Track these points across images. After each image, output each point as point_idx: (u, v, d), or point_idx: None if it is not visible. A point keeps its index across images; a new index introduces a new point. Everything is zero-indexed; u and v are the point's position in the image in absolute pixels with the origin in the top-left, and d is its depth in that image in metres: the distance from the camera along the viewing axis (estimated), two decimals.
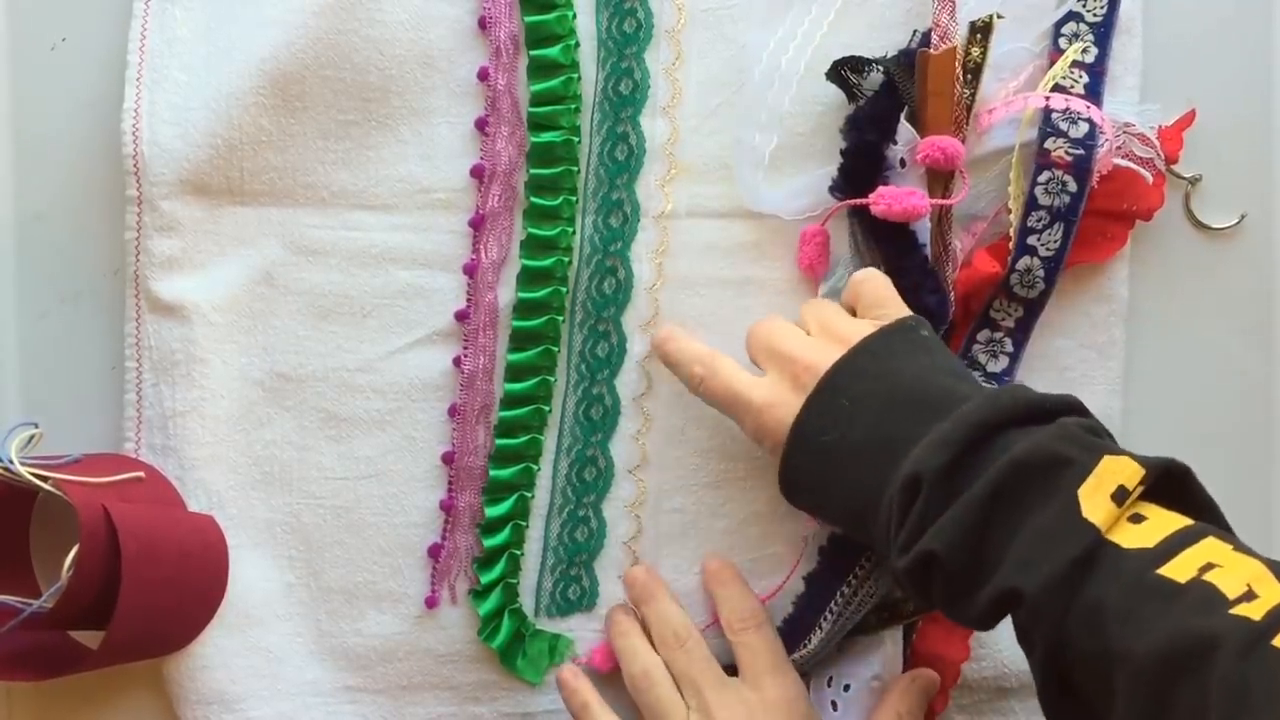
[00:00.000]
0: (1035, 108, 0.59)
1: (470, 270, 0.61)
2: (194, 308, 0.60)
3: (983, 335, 0.61)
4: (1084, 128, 0.59)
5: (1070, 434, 0.46)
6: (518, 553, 0.62)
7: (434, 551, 0.62)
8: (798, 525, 0.61)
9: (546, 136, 0.61)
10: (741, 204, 0.61)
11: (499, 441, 0.62)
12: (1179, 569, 0.41)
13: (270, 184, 0.61)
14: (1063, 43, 0.60)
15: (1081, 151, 0.59)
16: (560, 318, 0.61)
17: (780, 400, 0.53)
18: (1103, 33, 0.60)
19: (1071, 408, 0.48)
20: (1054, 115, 0.59)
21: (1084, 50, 0.60)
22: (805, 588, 0.60)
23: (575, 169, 0.61)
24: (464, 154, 0.61)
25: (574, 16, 0.61)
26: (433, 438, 0.62)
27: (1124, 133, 0.60)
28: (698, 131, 0.61)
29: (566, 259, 0.61)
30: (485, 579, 0.61)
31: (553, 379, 0.62)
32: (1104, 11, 0.60)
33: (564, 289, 0.61)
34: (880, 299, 0.55)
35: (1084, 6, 0.60)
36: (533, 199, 0.61)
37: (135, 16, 0.60)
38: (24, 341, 0.62)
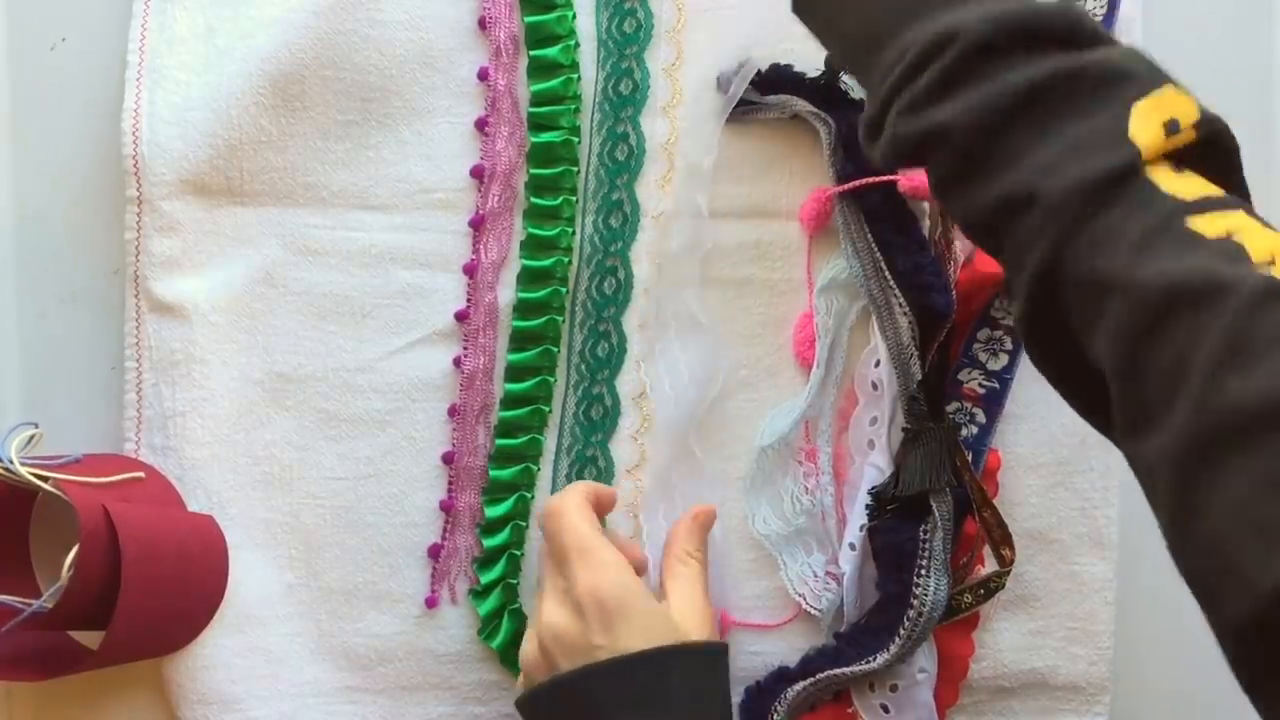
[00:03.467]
0: None
1: (470, 270, 0.61)
2: (194, 308, 0.60)
3: (983, 334, 0.61)
4: None
5: (1141, 55, 0.41)
6: (518, 553, 0.62)
7: (434, 551, 0.62)
8: None
9: (546, 136, 0.61)
10: (741, 204, 0.61)
11: (499, 441, 0.62)
12: (1208, 224, 0.38)
13: (270, 184, 0.61)
14: None
15: (995, 385, 0.59)
16: (560, 318, 0.61)
17: None
18: None
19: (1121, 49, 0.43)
20: None
21: None
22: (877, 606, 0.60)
23: (575, 169, 0.61)
24: (464, 154, 0.61)
25: (574, 17, 0.61)
26: (433, 438, 0.62)
27: None
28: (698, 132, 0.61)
29: (566, 259, 0.61)
30: (485, 579, 0.61)
31: (553, 379, 0.62)
32: (1104, 12, 0.60)
33: (564, 289, 0.61)
34: None
35: (1084, 7, 0.60)
36: (533, 199, 0.61)
37: (135, 16, 0.60)
38: (24, 341, 0.62)
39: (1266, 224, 0.39)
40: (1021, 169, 0.40)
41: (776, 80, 0.60)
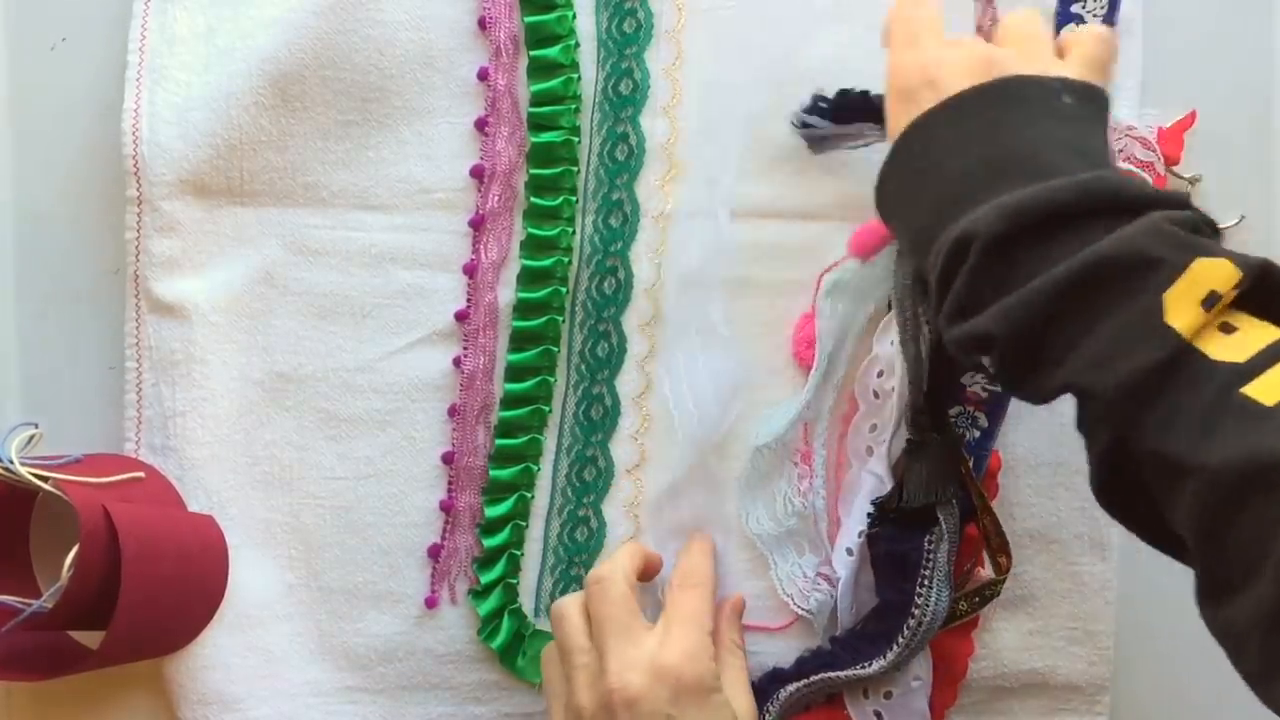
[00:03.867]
0: None
1: (470, 270, 0.61)
2: (194, 308, 0.60)
3: None
4: None
5: (1163, 231, 0.42)
6: (518, 553, 0.62)
7: (434, 551, 0.62)
8: None
9: (546, 136, 0.61)
10: (742, 204, 0.61)
11: (499, 441, 0.62)
12: (1267, 389, 0.39)
13: (270, 184, 0.61)
14: None
15: (998, 388, 0.59)
16: (560, 318, 0.61)
17: (936, 81, 0.48)
18: None
19: (1168, 201, 0.44)
20: None
21: None
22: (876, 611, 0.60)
23: (575, 169, 0.61)
24: (464, 154, 0.61)
25: (574, 17, 0.61)
26: (433, 438, 0.62)
27: (1125, 136, 0.60)
28: (698, 132, 0.61)
29: (566, 259, 0.61)
30: (485, 579, 0.61)
31: (553, 379, 0.62)
32: (1104, 12, 0.60)
33: (564, 289, 0.61)
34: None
35: (1084, 7, 0.60)
36: (533, 199, 0.61)
37: (135, 16, 0.60)
38: (24, 341, 0.62)
39: None
40: (1073, 366, 0.42)
41: (846, 106, 0.58)
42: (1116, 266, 0.41)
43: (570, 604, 0.56)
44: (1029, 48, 0.50)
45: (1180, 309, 0.40)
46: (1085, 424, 0.43)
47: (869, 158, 0.56)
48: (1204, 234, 0.43)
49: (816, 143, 0.59)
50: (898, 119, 0.49)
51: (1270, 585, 0.37)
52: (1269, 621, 0.37)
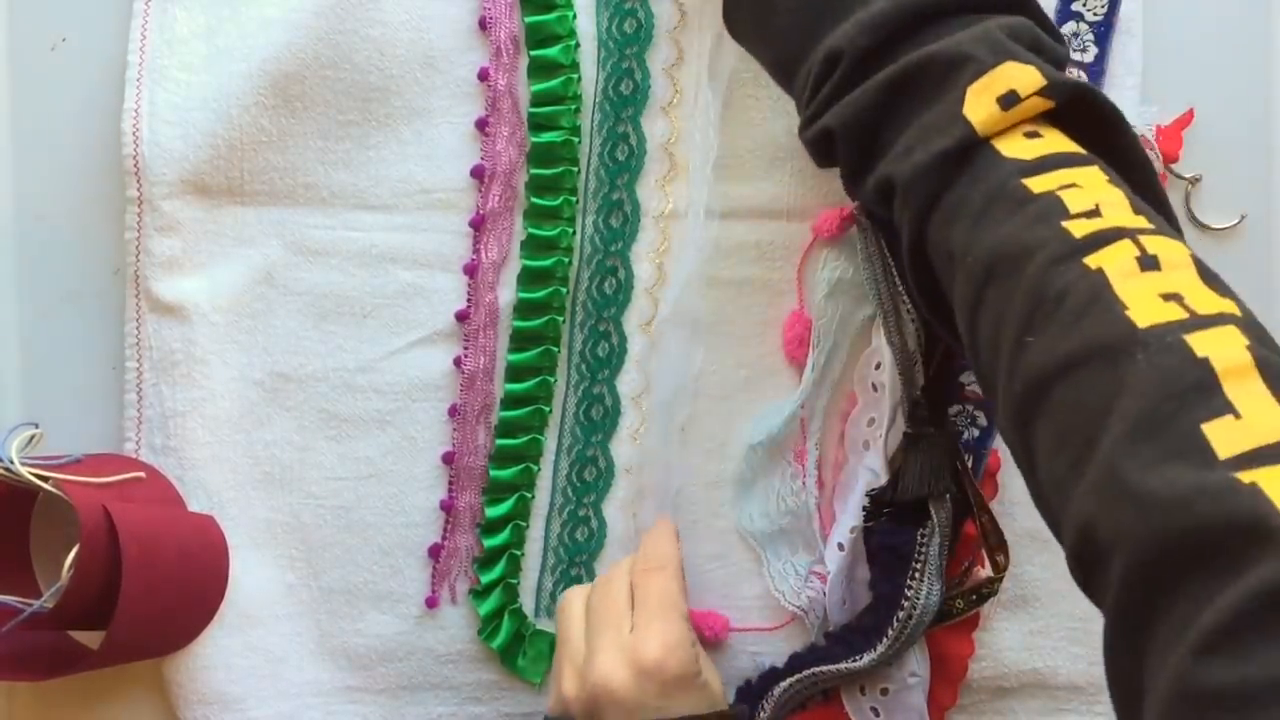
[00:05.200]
0: None
1: (470, 270, 0.61)
2: (194, 308, 0.60)
3: None
4: None
5: (988, 35, 0.44)
6: (518, 553, 0.62)
7: (434, 551, 0.62)
8: None
9: (547, 137, 0.61)
10: (741, 204, 0.61)
11: (499, 441, 0.62)
12: (1039, 182, 0.41)
13: (270, 184, 0.61)
14: None
15: None
16: (560, 318, 0.61)
17: None
18: (1103, 32, 0.60)
19: (1016, 5, 0.46)
20: None
21: (1083, 50, 0.60)
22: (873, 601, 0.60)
23: (575, 169, 0.61)
24: (464, 154, 0.61)
25: (574, 17, 0.61)
26: (433, 438, 0.62)
27: None
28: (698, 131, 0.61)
29: (567, 259, 0.61)
30: (485, 579, 0.61)
31: (553, 379, 0.62)
32: (1104, 11, 0.60)
33: (564, 289, 0.61)
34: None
35: (1084, 6, 0.60)
36: (533, 199, 0.61)
37: (135, 16, 0.60)
38: (24, 341, 0.62)
39: (1118, 181, 0.41)
40: (888, 156, 0.45)
41: None
42: (936, 63, 0.44)
43: (574, 594, 0.57)
44: None
45: (978, 104, 0.42)
46: (895, 223, 0.46)
47: None
48: (1035, 46, 0.45)
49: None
50: None
51: (1003, 388, 0.40)
52: (1008, 426, 0.40)
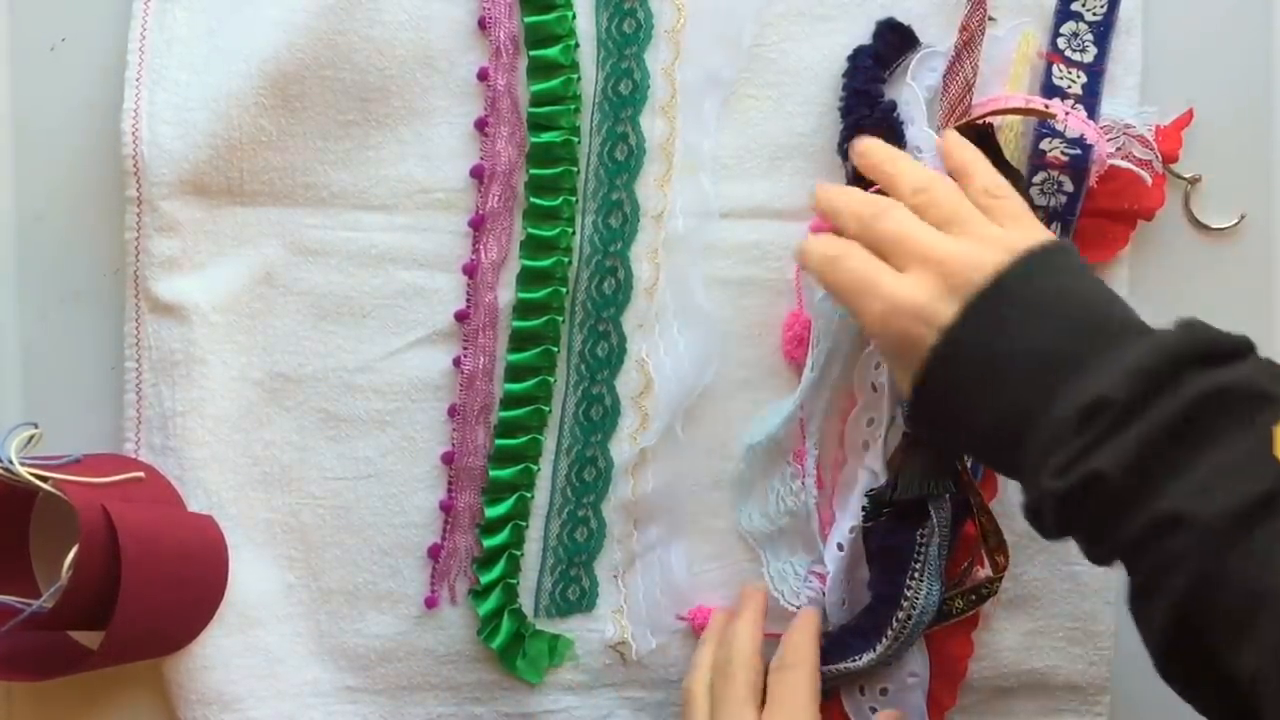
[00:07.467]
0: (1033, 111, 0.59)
1: (470, 270, 0.61)
2: (194, 308, 0.60)
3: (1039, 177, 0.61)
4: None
5: (1274, 371, 0.44)
6: (517, 553, 0.62)
7: (434, 552, 0.62)
8: None
9: (546, 137, 0.61)
10: (741, 204, 0.61)
11: (499, 442, 0.62)
12: None
13: (270, 184, 0.61)
14: (1061, 43, 0.60)
15: (1078, 151, 0.59)
16: (560, 318, 0.61)
17: (928, 302, 0.48)
18: (1102, 32, 0.60)
19: (1252, 347, 0.45)
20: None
21: (1083, 50, 0.60)
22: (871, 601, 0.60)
23: (575, 169, 0.61)
24: (464, 154, 0.61)
25: (574, 17, 0.61)
26: (433, 438, 0.62)
27: (1123, 134, 0.60)
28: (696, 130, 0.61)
29: (566, 259, 0.61)
30: (485, 579, 0.61)
31: (552, 379, 0.62)
32: (1104, 11, 0.60)
33: (564, 289, 0.61)
34: (999, 185, 0.52)
35: (1084, 6, 0.60)
36: (532, 199, 0.61)
37: (135, 16, 0.60)
38: (24, 341, 0.62)
39: None
40: (1176, 494, 0.42)
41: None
42: (1233, 399, 0.43)
43: (698, 684, 0.58)
44: (966, 222, 0.51)
45: None
46: (1162, 562, 0.43)
47: None
48: None
49: None
50: (931, 315, 0.48)
51: None
52: None
